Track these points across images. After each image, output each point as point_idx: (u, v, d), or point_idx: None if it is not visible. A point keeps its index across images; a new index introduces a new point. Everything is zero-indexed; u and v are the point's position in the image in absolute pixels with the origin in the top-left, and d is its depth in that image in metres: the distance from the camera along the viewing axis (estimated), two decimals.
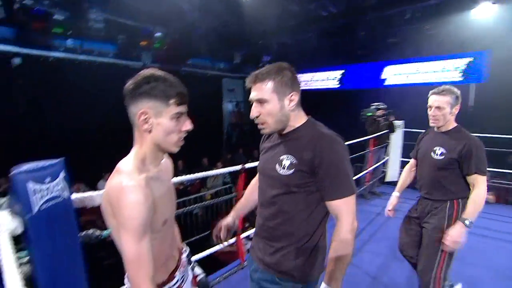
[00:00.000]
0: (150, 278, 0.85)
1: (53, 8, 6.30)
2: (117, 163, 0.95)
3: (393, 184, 5.50)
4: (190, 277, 1.21)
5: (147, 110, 0.89)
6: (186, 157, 6.83)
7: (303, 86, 10.56)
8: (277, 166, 1.15)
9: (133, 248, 0.83)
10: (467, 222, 1.72)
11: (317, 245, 1.17)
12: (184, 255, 1.19)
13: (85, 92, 6.75)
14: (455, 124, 1.91)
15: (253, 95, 1.15)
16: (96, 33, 7.05)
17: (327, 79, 9.74)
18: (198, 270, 1.31)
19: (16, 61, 6.30)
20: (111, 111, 4.24)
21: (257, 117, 1.15)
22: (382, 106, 5.10)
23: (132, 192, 0.83)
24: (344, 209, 1.07)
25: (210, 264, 2.36)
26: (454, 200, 1.84)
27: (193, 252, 2.25)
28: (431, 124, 1.94)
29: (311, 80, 10.07)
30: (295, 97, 1.14)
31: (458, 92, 1.85)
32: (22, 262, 1.02)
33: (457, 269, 2.01)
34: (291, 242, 1.16)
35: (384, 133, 5.10)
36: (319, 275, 1.21)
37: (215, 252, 2.58)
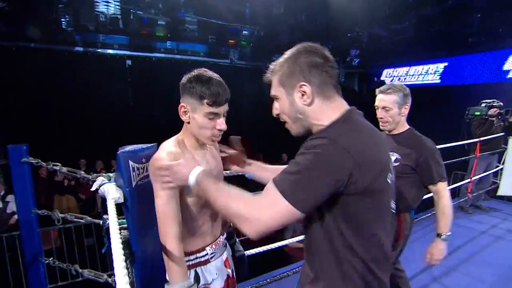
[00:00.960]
0: (175, 234, 1.00)
1: (157, 16, 7.26)
2: None
3: (508, 199, 4.47)
4: (224, 257, 1.27)
5: (186, 104, 1.05)
6: (266, 152, 6.99)
7: (398, 82, 9.67)
8: None
9: (161, 208, 1.01)
10: (444, 237, 1.68)
11: None
12: (223, 237, 1.28)
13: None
14: (407, 127, 1.73)
15: (271, 91, 0.96)
16: (190, 35, 7.85)
17: (425, 74, 8.49)
18: (238, 247, 1.42)
19: (128, 62, 7.69)
20: None
21: (277, 115, 0.96)
22: (496, 104, 4.11)
23: (159, 160, 1.01)
24: (265, 192, 0.83)
25: (278, 257, 2.30)
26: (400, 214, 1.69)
27: (264, 243, 2.25)
28: (381, 128, 1.73)
29: (406, 75, 8.96)
30: (307, 89, 0.84)
31: (407, 90, 1.67)
32: (122, 227, 1.17)
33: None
34: None
35: (499, 136, 4.13)
36: None
37: (285, 246, 2.51)
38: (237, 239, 1.44)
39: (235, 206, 0.80)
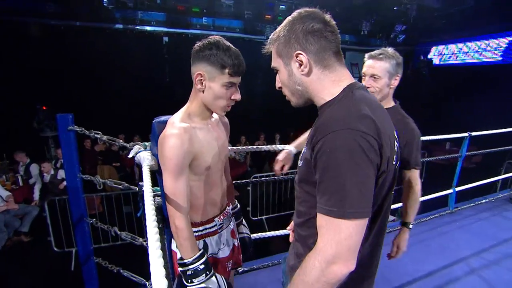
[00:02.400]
0: (183, 212, 1.00)
1: None
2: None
3: None
4: (231, 228, 1.30)
5: (203, 72, 1.01)
6: (296, 130, 6.86)
7: (447, 61, 8.84)
8: (302, 153, 0.90)
9: (170, 185, 0.99)
10: (411, 226, 1.53)
11: None
12: (229, 207, 1.30)
13: None
14: (393, 103, 1.51)
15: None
16: (226, 10, 7.72)
17: (484, 50, 7.56)
18: (244, 229, 1.43)
19: (165, 39, 7.81)
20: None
21: (279, 88, 0.90)
22: None
23: (171, 137, 0.98)
24: (324, 232, 0.70)
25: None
26: None
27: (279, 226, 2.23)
28: None
29: (458, 53, 8.07)
30: (303, 57, 0.77)
31: (400, 58, 1.44)
32: (156, 194, 1.22)
33: None
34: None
35: None
36: None
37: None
38: (243, 221, 1.46)
39: (310, 272, 0.71)
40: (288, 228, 1.22)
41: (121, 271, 1.73)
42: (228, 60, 0.99)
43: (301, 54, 0.78)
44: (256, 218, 4.98)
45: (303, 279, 0.72)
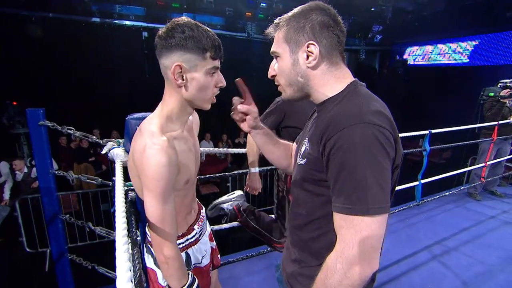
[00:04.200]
0: (173, 239, 0.86)
1: None
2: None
3: None
4: (208, 231, 1.23)
5: (181, 63, 0.82)
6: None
7: (420, 61, 9.23)
8: (299, 150, 0.86)
9: (158, 210, 0.82)
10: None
11: None
12: (203, 210, 1.20)
13: None
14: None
15: (272, 48, 0.84)
16: (207, 6, 7.67)
17: (452, 53, 8.01)
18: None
19: (144, 34, 7.65)
20: None
21: (272, 77, 0.84)
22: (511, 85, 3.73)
23: (156, 154, 0.80)
24: (344, 232, 0.66)
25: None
26: None
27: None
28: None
29: (431, 54, 8.47)
30: (315, 49, 0.74)
31: None
32: (130, 188, 1.24)
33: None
34: None
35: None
36: None
37: None
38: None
39: (332, 276, 0.67)
40: None
41: (96, 267, 1.73)
42: (208, 42, 0.82)
43: (314, 45, 0.74)
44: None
45: (325, 282, 0.68)
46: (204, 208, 1.26)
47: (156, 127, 0.86)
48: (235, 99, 0.97)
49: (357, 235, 0.64)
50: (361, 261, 0.64)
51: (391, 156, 0.66)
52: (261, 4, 8.06)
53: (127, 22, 7.44)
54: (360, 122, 0.64)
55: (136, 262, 0.88)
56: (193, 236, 1.09)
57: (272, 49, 0.82)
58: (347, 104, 0.72)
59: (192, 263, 1.08)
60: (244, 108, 0.95)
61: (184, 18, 0.84)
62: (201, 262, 1.12)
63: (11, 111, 5.78)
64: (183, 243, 1.06)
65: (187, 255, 1.07)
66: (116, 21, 7.28)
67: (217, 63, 0.87)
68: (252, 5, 8.03)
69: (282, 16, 0.81)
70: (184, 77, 0.84)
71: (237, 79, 0.93)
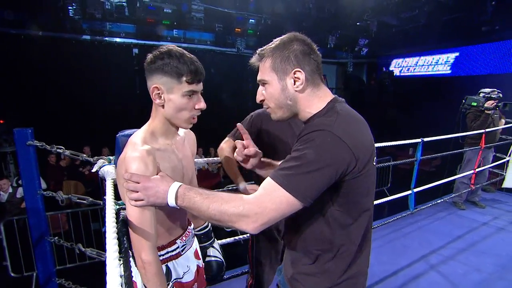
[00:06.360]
0: (151, 244, 0.89)
1: (163, 3, 7.20)
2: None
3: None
4: (194, 248, 1.21)
5: (160, 85, 0.92)
6: None
7: (406, 73, 9.54)
8: None
9: (136, 215, 0.88)
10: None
11: None
12: (191, 227, 1.21)
13: None
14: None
15: (258, 76, 0.94)
16: (196, 23, 7.79)
17: (435, 64, 8.31)
18: (212, 252, 1.29)
19: (135, 50, 7.69)
20: (208, 93, 4.65)
21: (261, 101, 0.95)
22: (495, 95, 3.76)
23: (133, 161, 0.87)
24: (263, 191, 0.79)
25: None
26: None
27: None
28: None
29: (415, 65, 8.77)
30: (301, 75, 0.86)
31: None
32: (122, 207, 1.21)
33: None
34: None
35: (499, 129, 3.99)
36: None
37: None
38: (215, 242, 1.34)
39: (232, 206, 0.78)
40: None
41: None
42: (183, 67, 0.91)
43: (299, 71, 0.86)
44: (230, 229, 4.95)
45: (222, 203, 0.79)
46: (192, 225, 1.25)
47: (139, 139, 0.95)
48: (239, 143, 1.11)
49: (270, 200, 0.76)
50: (254, 217, 0.76)
51: (335, 166, 0.76)
52: (250, 20, 8.24)
53: (118, 39, 7.48)
54: (325, 129, 0.77)
55: (129, 285, 0.86)
56: (174, 249, 1.10)
57: (260, 77, 0.92)
58: (324, 118, 0.84)
59: (173, 277, 1.09)
60: (252, 152, 1.10)
61: (168, 46, 0.95)
62: (182, 277, 1.12)
63: None
64: (163, 255, 1.07)
65: (167, 268, 1.08)
66: (106, 39, 7.31)
67: (194, 87, 0.95)
68: (241, 21, 8.19)
69: (265, 48, 0.91)
70: (162, 97, 0.94)
71: (238, 124, 1.09)
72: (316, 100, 0.89)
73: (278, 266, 1.48)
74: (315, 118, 0.87)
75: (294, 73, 0.86)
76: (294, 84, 0.87)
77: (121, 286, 0.59)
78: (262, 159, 1.15)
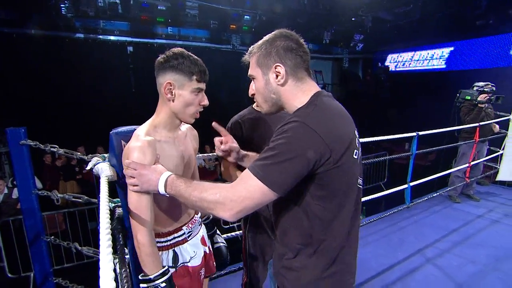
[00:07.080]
0: (147, 227, 0.98)
1: (157, 0, 7.13)
2: None
3: (508, 184, 4.44)
4: (200, 235, 1.29)
5: (173, 81, 1.03)
6: None
7: (401, 68, 9.57)
8: None
9: (135, 200, 0.98)
10: None
11: None
12: (197, 216, 1.30)
13: None
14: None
15: (248, 72, 1.01)
16: (191, 20, 7.74)
17: (430, 59, 8.34)
18: (219, 239, 1.43)
19: (130, 48, 7.63)
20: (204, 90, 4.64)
21: (252, 95, 1.03)
22: (488, 89, 3.75)
23: (134, 150, 0.97)
24: (240, 181, 0.82)
25: None
26: None
27: None
28: None
29: (410, 60, 8.80)
30: (281, 69, 0.89)
31: None
32: (117, 205, 1.21)
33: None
34: None
35: (500, 120, 4.01)
36: None
37: None
38: (217, 231, 1.46)
39: (210, 194, 0.82)
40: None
41: None
42: (195, 67, 1.03)
43: (280, 66, 0.89)
44: (228, 226, 4.98)
45: (202, 191, 0.84)
46: (199, 214, 1.33)
47: (142, 131, 1.04)
48: (216, 140, 1.19)
49: (244, 189, 0.79)
50: (230, 204, 0.79)
51: (307, 156, 0.77)
52: (245, 16, 8.19)
53: (112, 37, 7.42)
54: (298, 121, 0.79)
55: (125, 281, 0.86)
56: (181, 235, 1.18)
57: (249, 73, 0.98)
58: (302, 111, 0.86)
59: (180, 261, 1.16)
60: (227, 147, 1.17)
61: (179, 49, 1.06)
62: (188, 261, 1.19)
63: None
64: (170, 240, 1.15)
65: (174, 253, 1.16)
66: (100, 37, 7.25)
67: (201, 85, 1.07)
68: (236, 18, 8.14)
69: (254, 45, 0.96)
70: (173, 93, 1.04)
71: (213, 123, 1.14)
72: (300, 93, 0.91)
73: (270, 260, 1.56)
74: (297, 111, 0.89)
75: (275, 68, 0.90)
76: (276, 78, 0.91)
77: (114, 281, 0.59)
78: (245, 152, 1.21)
